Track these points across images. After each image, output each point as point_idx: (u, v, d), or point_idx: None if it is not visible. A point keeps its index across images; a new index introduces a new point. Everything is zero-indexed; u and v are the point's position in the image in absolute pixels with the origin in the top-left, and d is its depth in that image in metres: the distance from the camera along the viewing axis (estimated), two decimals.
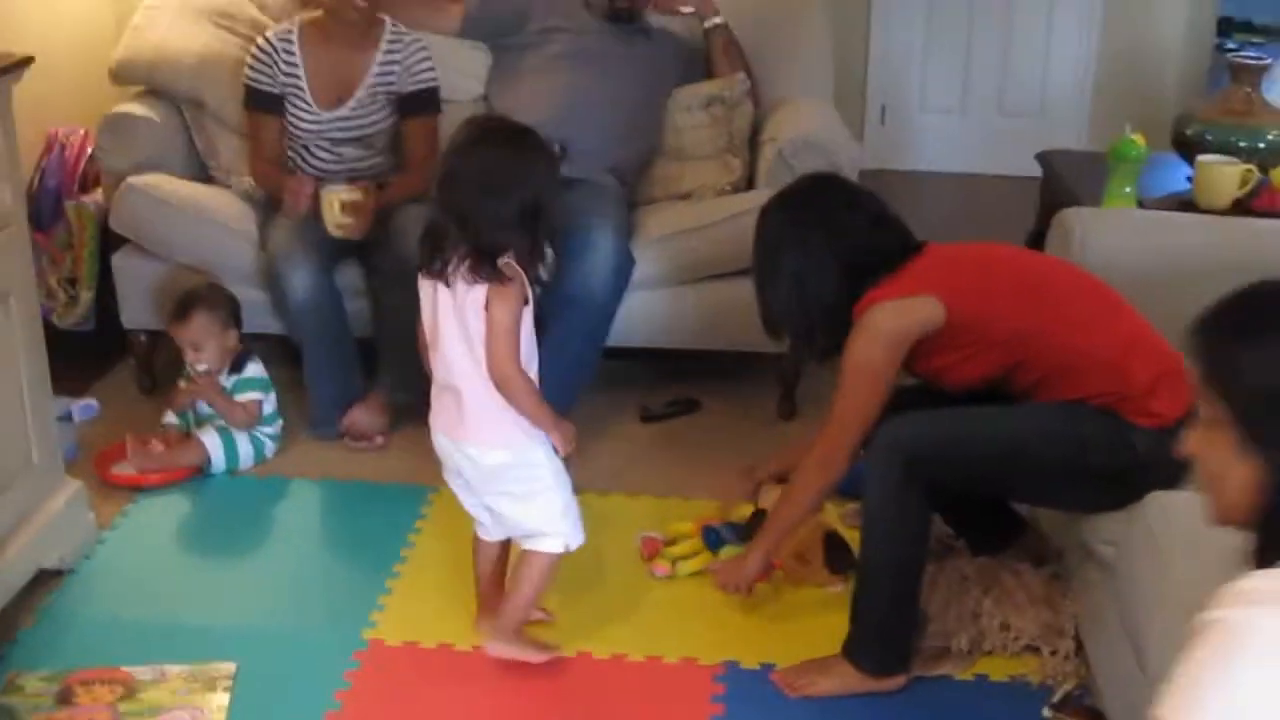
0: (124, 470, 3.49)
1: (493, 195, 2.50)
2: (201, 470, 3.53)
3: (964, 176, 6.12)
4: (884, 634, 2.67)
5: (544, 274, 2.79)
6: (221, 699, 2.67)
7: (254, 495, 3.49)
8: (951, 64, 6.12)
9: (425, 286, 2.61)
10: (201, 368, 3.55)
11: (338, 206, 3.63)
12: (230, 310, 3.60)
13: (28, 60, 2.77)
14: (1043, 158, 4.34)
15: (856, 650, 2.67)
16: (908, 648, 2.70)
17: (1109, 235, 3.02)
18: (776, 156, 3.79)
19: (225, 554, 3.27)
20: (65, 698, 2.67)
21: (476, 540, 2.84)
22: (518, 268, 2.53)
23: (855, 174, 3.67)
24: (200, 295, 3.58)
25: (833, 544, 3.04)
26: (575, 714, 2.70)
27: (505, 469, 2.65)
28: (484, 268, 2.50)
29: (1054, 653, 2.75)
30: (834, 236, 2.70)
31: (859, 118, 6.06)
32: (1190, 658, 1.43)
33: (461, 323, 2.55)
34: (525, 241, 2.53)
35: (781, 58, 4.19)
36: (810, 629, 2.88)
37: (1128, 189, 3.61)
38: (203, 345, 3.54)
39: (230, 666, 2.75)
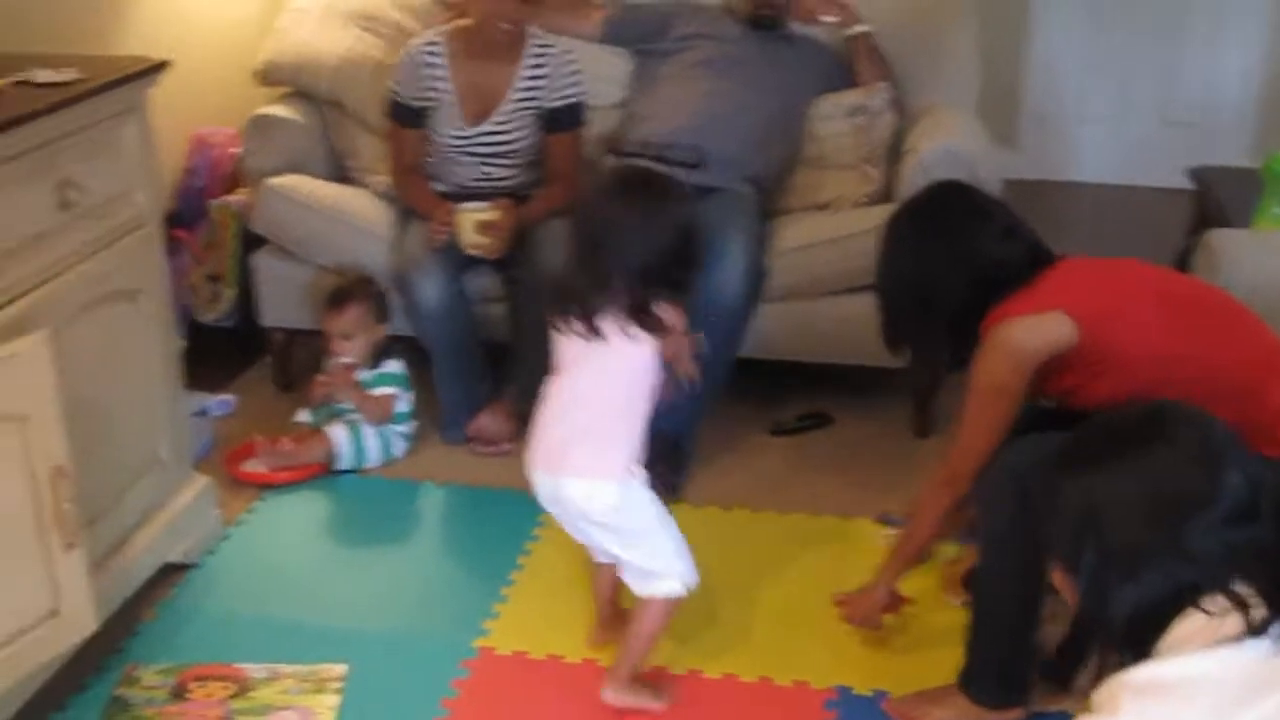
0: (254, 468, 3.55)
1: (640, 253, 2.47)
2: (328, 466, 3.57)
3: (1119, 188, 5.93)
4: (1000, 665, 2.58)
5: None
6: (331, 700, 2.69)
7: (379, 496, 3.52)
8: (1110, 71, 5.91)
9: (563, 337, 2.57)
10: (346, 359, 3.61)
11: (473, 226, 3.62)
12: (381, 305, 3.67)
13: (162, 65, 2.80)
14: (1197, 173, 4.19)
15: (971, 682, 2.59)
16: (1025, 680, 2.60)
17: (1256, 258, 2.89)
18: (916, 167, 3.69)
19: (346, 554, 3.30)
20: (179, 692, 2.72)
21: (592, 560, 2.82)
22: (675, 309, 2.52)
23: (997, 185, 3.56)
24: (355, 287, 3.65)
25: None
26: None
27: (612, 512, 2.57)
28: (644, 321, 2.47)
29: None
30: (961, 248, 2.58)
31: (1012, 126, 5.91)
32: None
33: (612, 368, 2.52)
34: (677, 286, 2.52)
35: (925, 65, 4.09)
36: (926, 657, 2.80)
37: (1279, 209, 3.46)
38: (353, 336, 3.61)
39: (341, 669, 2.78)
